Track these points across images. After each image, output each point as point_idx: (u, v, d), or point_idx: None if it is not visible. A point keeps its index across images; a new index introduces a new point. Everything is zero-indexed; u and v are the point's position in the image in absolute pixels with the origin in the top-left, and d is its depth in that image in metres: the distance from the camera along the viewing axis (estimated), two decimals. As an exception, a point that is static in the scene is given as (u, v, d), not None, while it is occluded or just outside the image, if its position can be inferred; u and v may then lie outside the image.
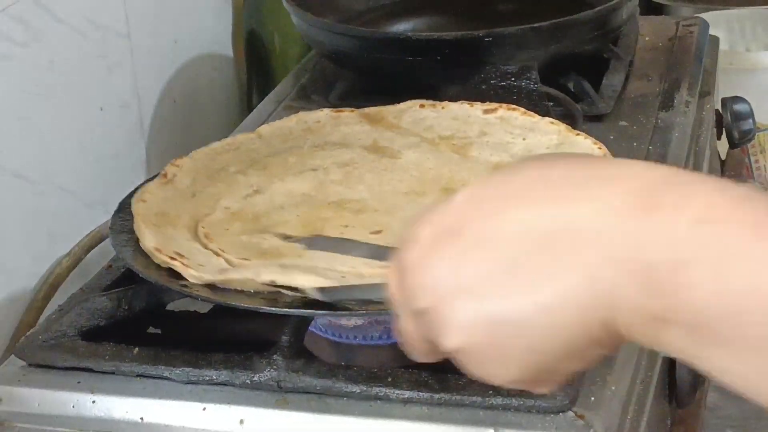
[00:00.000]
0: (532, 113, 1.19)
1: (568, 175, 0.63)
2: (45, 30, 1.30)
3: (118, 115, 1.46)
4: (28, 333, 0.97)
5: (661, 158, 1.23)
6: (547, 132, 1.16)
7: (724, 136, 1.53)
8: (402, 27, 1.54)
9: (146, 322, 1.05)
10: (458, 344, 0.64)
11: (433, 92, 1.34)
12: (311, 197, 1.09)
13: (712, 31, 1.61)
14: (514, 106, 1.20)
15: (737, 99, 1.51)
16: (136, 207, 1.04)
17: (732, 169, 1.47)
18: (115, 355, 0.94)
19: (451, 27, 1.54)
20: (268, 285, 0.92)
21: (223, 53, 1.73)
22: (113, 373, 0.93)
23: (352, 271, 0.93)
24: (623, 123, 1.31)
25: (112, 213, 1.08)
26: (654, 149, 1.25)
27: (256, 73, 1.76)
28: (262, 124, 1.37)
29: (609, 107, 1.33)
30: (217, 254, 0.98)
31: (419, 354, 0.70)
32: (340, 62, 1.41)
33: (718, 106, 1.53)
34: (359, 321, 0.97)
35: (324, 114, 1.23)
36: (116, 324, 0.99)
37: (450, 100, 1.26)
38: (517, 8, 1.55)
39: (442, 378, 0.88)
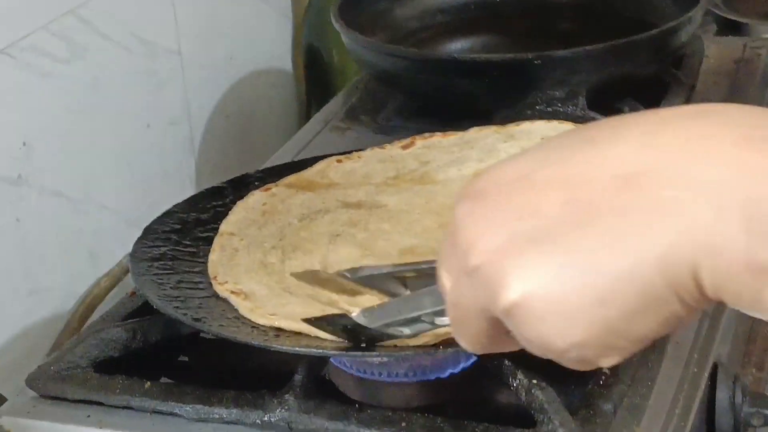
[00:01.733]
0: (452, 132, 1.17)
1: (649, 116, 0.56)
2: (88, 46, 1.29)
3: (167, 132, 1.44)
4: (41, 363, 0.95)
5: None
6: (484, 137, 1.15)
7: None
8: (457, 46, 1.51)
9: (176, 350, 1.03)
10: (519, 295, 0.56)
11: (483, 115, 1.30)
12: (374, 255, 1.03)
13: (784, 52, 1.55)
14: (430, 134, 1.18)
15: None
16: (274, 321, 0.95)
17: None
18: (126, 389, 0.91)
19: (508, 46, 1.50)
20: None
21: (281, 68, 1.71)
22: (123, 407, 0.91)
23: None
24: (680, 152, 1.26)
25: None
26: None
27: (316, 88, 1.74)
28: (308, 144, 1.35)
29: (665, 134, 1.27)
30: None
31: (471, 337, 0.62)
32: (388, 83, 1.38)
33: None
34: (385, 358, 0.93)
35: (258, 197, 1.14)
36: (131, 355, 0.97)
37: (499, 124, 1.22)
38: (577, 28, 1.50)
39: (457, 424, 0.85)
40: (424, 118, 1.37)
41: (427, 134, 1.18)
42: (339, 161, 1.17)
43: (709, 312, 1.02)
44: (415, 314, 0.80)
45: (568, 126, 1.12)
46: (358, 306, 0.88)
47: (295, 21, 1.72)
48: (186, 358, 1.06)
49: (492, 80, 1.27)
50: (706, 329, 1.01)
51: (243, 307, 0.95)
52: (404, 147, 1.17)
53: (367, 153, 1.17)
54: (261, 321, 0.93)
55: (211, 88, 1.54)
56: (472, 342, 0.63)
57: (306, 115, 1.74)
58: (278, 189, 1.14)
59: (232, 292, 0.97)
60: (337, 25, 1.39)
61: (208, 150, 1.52)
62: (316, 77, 1.73)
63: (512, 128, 1.15)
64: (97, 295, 1.28)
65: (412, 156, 1.17)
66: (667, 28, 1.30)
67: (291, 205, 1.12)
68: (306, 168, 1.15)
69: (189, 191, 1.48)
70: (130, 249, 1.28)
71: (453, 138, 1.17)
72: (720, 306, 1.05)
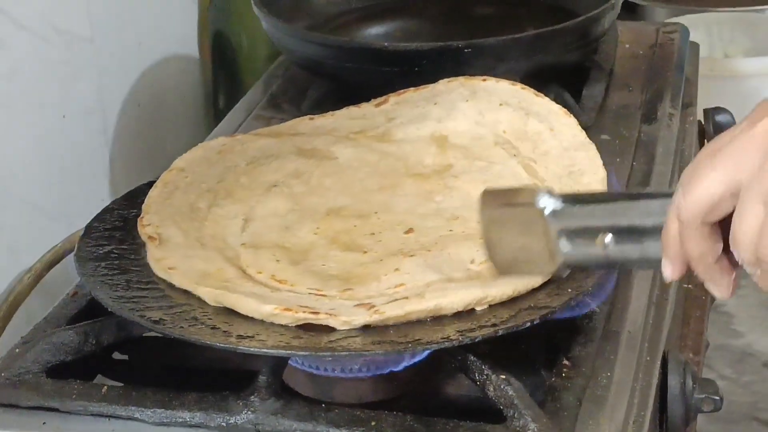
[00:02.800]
0: (424, 86, 1.18)
1: None
2: (4, 36, 1.25)
3: (82, 123, 1.41)
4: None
5: (646, 175, 1.19)
6: (449, 90, 1.16)
7: (705, 146, 1.49)
8: (375, 31, 1.50)
9: (112, 348, 1.01)
10: None
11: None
12: (300, 211, 1.05)
13: (690, 36, 1.57)
14: (404, 90, 1.19)
15: (719, 110, 1.47)
16: (171, 276, 0.96)
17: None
18: (82, 393, 0.89)
19: (426, 32, 1.49)
20: None
21: (189, 54, 1.68)
22: (80, 413, 0.88)
23: (470, 273, 0.93)
24: (605, 136, 1.27)
25: (75, 227, 1.03)
26: (638, 165, 1.21)
27: (223, 74, 1.71)
28: (234, 133, 1.33)
29: (591, 120, 1.29)
30: (327, 295, 0.93)
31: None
32: (313, 70, 1.37)
33: (700, 116, 1.50)
34: (340, 355, 0.92)
35: (221, 141, 1.15)
36: (83, 358, 0.94)
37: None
38: (494, 13, 1.51)
39: (428, 422, 0.85)
40: (347, 105, 1.35)
41: (401, 90, 1.19)
42: (311, 119, 1.18)
43: (654, 299, 1.04)
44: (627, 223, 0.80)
45: (529, 92, 1.14)
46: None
47: (201, 6, 1.69)
48: (124, 356, 1.04)
49: (421, 68, 1.26)
50: (654, 317, 1.02)
51: (151, 255, 0.97)
52: (377, 105, 1.19)
53: (342, 111, 1.19)
54: (159, 274, 0.95)
55: (123, 77, 1.51)
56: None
57: (214, 102, 1.72)
58: (244, 136, 1.16)
59: (150, 237, 0.98)
60: (257, 12, 1.37)
61: (121, 139, 1.49)
62: (224, 64, 1.71)
63: (477, 83, 1.16)
64: (21, 292, 1.24)
65: (382, 113, 1.18)
66: (591, 15, 1.31)
67: (248, 148, 1.13)
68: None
69: (104, 182, 1.46)
70: (50, 243, 1.27)
71: (423, 92, 1.18)
72: (663, 293, 1.06)
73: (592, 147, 1.07)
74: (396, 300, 0.90)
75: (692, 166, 0.77)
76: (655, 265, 0.81)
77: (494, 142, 1.11)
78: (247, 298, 0.90)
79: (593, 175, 1.04)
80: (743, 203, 0.73)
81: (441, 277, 0.93)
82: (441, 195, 1.05)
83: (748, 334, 1.79)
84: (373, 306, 0.89)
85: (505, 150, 1.10)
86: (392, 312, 0.88)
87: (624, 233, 0.81)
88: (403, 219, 1.02)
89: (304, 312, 0.88)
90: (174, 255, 0.97)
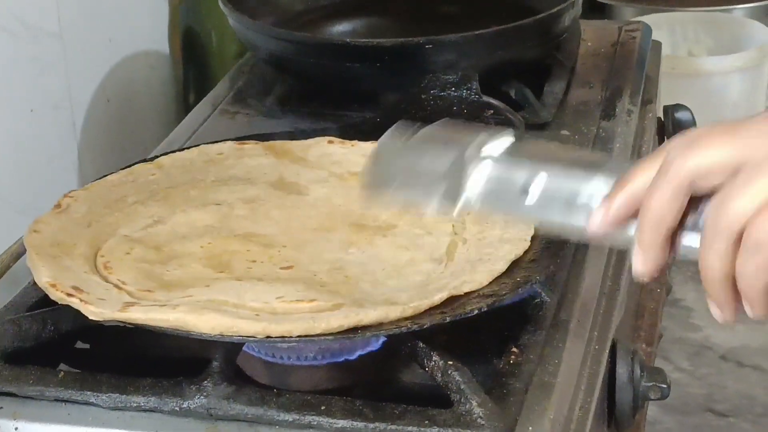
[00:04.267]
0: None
1: None
2: (-28, 31, 1.27)
3: (50, 117, 1.42)
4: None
5: (603, 169, 1.21)
6: None
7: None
8: (341, 28, 1.52)
9: (74, 337, 1.02)
10: None
11: (373, 99, 1.32)
12: (215, 229, 1.05)
13: (654, 35, 1.59)
14: None
15: (679, 107, 1.50)
16: (29, 238, 1.00)
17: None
18: (39, 379, 0.90)
19: (391, 29, 1.51)
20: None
21: (160, 51, 1.70)
22: (37, 398, 0.90)
23: (266, 307, 0.90)
24: (565, 132, 1.29)
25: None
26: (595, 160, 1.23)
27: (193, 71, 1.73)
28: (199, 128, 1.34)
29: (550, 115, 1.31)
30: (119, 287, 0.94)
31: None
32: (278, 66, 1.39)
33: (661, 113, 1.52)
34: (293, 342, 0.94)
35: (227, 146, 1.17)
36: (41, 345, 0.96)
37: (389, 109, 1.24)
38: (459, 11, 1.53)
39: (377, 407, 0.86)
40: (312, 101, 1.38)
41: None
42: (330, 142, 1.17)
43: (605, 290, 1.06)
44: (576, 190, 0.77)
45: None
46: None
47: (172, 3, 1.70)
48: (85, 345, 1.05)
49: (383, 64, 1.28)
50: (604, 307, 1.04)
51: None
52: None
53: (364, 144, 1.15)
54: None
55: (91, 72, 1.53)
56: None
57: (184, 99, 1.74)
58: (253, 147, 1.17)
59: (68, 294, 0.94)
60: (224, 8, 1.39)
61: (90, 134, 1.50)
62: (194, 60, 1.73)
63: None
64: (-14, 283, 1.25)
65: None
66: (553, 12, 1.33)
67: (240, 164, 1.14)
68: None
69: (73, 177, 1.47)
70: (17, 236, 1.28)
71: None
72: (615, 284, 1.08)
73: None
74: (165, 306, 0.90)
75: (697, 134, 0.74)
76: (577, 233, 0.78)
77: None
78: (40, 267, 0.94)
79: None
80: (745, 181, 0.70)
81: (235, 301, 0.92)
82: (356, 248, 1.03)
83: (706, 327, 1.82)
84: (132, 304, 0.90)
85: (454, 227, 1.05)
86: (136, 314, 0.89)
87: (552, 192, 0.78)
88: (296, 257, 1.01)
89: (64, 293, 0.91)
90: (69, 229, 1.01)
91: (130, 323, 0.89)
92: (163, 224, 1.05)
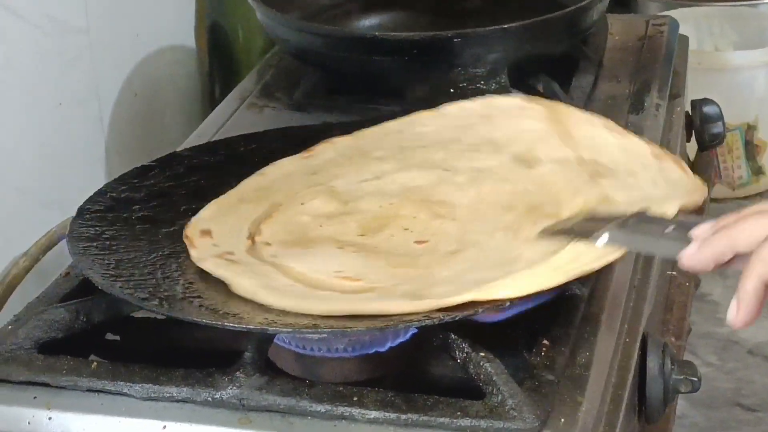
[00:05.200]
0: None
1: None
2: (1, 26, 1.27)
3: (77, 112, 1.43)
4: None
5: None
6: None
7: (693, 137, 1.51)
8: (368, 23, 1.52)
9: (105, 328, 1.03)
10: None
11: (400, 93, 1.32)
12: (418, 190, 1.07)
13: (680, 29, 1.59)
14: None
15: (707, 101, 1.49)
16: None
17: (701, 171, 1.45)
18: (72, 369, 0.91)
19: (418, 23, 1.51)
20: None
21: (186, 45, 1.70)
22: (70, 388, 0.90)
23: (319, 280, 0.94)
24: (592, 126, 1.29)
25: (70, 214, 1.05)
26: (624, 154, 1.23)
27: (219, 65, 1.73)
28: (226, 122, 1.35)
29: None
30: (253, 237, 0.99)
31: None
32: (305, 60, 1.39)
33: (688, 107, 1.51)
34: (324, 334, 0.94)
35: (515, 102, 1.15)
36: (74, 336, 0.96)
37: (417, 102, 1.24)
38: (485, 5, 1.52)
39: (409, 398, 0.86)
40: (340, 95, 1.38)
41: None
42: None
43: (635, 283, 1.06)
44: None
45: None
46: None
47: (198, -2, 1.71)
48: (116, 337, 1.05)
49: (411, 58, 1.28)
50: (634, 300, 1.04)
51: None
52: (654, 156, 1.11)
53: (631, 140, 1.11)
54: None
55: (118, 66, 1.53)
56: None
57: (210, 94, 1.74)
58: (536, 108, 1.15)
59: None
60: (252, 2, 1.39)
61: (117, 129, 1.51)
62: (220, 55, 1.73)
63: None
64: (17, 276, 1.26)
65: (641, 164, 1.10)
66: (580, 6, 1.33)
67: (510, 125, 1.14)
68: (237, 145, 1.16)
69: (100, 171, 1.47)
70: (44, 230, 1.28)
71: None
72: (644, 277, 1.08)
73: None
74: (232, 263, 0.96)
75: None
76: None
77: None
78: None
79: None
80: None
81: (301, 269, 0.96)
82: (504, 233, 1.02)
83: (733, 323, 1.80)
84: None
85: None
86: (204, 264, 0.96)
87: None
88: (447, 234, 1.02)
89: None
90: (294, 174, 1.09)
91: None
92: (380, 179, 1.07)
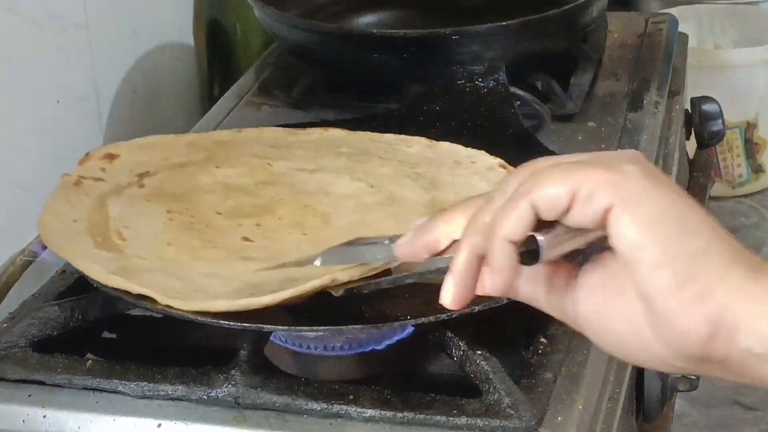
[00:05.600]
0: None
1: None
2: (-2, 21, 1.27)
3: (76, 108, 1.42)
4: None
5: (630, 161, 1.20)
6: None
7: (692, 135, 1.51)
8: (367, 20, 1.52)
9: (101, 326, 1.03)
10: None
11: (399, 90, 1.32)
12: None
13: (681, 27, 1.59)
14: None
15: (706, 99, 1.49)
16: None
17: (701, 169, 1.45)
18: (67, 367, 0.90)
19: (417, 21, 1.51)
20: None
21: (185, 43, 1.70)
22: (65, 386, 0.90)
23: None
24: (591, 123, 1.29)
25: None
26: (623, 152, 1.23)
27: (218, 62, 1.73)
28: (224, 119, 1.35)
29: (577, 107, 1.31)
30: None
31: None
32: (303, 57, 1.39)
33: (687, 105, 1.51)
34: (321, 332, 0.94)
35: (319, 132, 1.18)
36: (69, 333, 0.96)
37: (415, 100, 1.23)
38: (484, 2, 1.52)
39: (405, 396, 0.86)
40: (338, 93, 1.38)
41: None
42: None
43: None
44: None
45: None
46: None
47: (197, -6, 1.71)
48: (112, 335, 1.05)
49: (409, 55, 1.28)
50: (632, 298, 1.03)
51: None
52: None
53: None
54: None
55: (117, 63, 1.53)
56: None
57: (209, 90, 1.74)
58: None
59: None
60: (250, 0, 1.39)
61: (116, 125, 1.50)
62: (218, 52, 1.73)
63: None
64: (14, 273, 1.25)
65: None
66: (580, 4, 1.33)
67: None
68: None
69: (98, 167, 1.47)
70: (43, 226, 1.28)
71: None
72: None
73: None
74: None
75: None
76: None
77: None
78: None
79: None
80: None
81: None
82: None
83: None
84: None
85: None
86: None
87: None
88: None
89: None
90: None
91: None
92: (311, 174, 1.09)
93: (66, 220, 1.00)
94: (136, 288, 0.89)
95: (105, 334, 1.04)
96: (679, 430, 1.38)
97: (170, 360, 0.93)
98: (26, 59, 1.32)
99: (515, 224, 0.68)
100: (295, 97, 1.38)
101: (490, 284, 0.70)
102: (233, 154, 1.12)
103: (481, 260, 0.70)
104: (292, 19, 1.38)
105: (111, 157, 1.10)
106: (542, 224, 0.69)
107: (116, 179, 1.08)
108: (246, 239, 1.00)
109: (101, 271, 0.91)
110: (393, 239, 0.78)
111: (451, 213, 0.73)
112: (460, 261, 0.70)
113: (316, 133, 1.16)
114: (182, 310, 0.88)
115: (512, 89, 1.25)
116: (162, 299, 0.89)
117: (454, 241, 0.73)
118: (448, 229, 0.73)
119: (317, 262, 0.85)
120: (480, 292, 0.71)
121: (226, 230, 1.01)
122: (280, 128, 1.18)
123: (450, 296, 0.72)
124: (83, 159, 1.09)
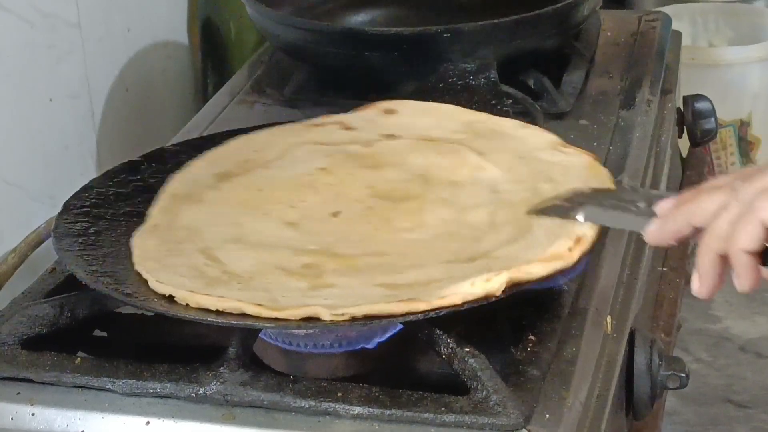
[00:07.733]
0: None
1: None
2: (-11, 19, 1.27)
3: (68, 106, 1.42)
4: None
5: (622, 159, 1.21)
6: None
7: (685, 133, 1.51)
8: (360, 19, 1.51)
9: (92, 324, 1.02)
10: None
11: (391, 88, 1.31)
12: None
13: (674, 25, 1.59)
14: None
15: (699, 97, 1.49)
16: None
17: (693, 167, 1.45)
18: (55, 365, 0.90)
19: (409, 19, 1.51)
20: None
21: (178, 41, 1.70)
22: (54, 384, 0.90)
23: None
24: (583, 122, 1.29)
25: (59, 208, 1.04)
26: (615, 149, 1.23)
27: (212, 61, 1.73)
28: (217, 117, 1.34)
29: (569, 105, 1.30)
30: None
31: None
32: (296, 56, 1.38)
33: (680, 103, 1.51)
34: (310, 330, 0.93)
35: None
36: (58, 331, 0.96)
37: (407, 97, 1.23)
38: (477, 1, 1.52)
39: (393, 393, 0.86)
40: (330, 91, 1.37)
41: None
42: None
43: (624, 279, 1.05)
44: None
45: None
46: None
47: (191, -7, 1.71)
48: (103, 333, 1.05)
49: (401, 53, 1.28)
50: (622, 295, 1.03)
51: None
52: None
53: None
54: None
55: (110, 62, 1.53)
56: None
57: (202, 89, 1.74)
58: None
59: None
60: (242, -2, 1.39)
61: (108, 124, 1.50)
62: (212, 51, 1.73)
63: None
64: (5, 272, 1.25)
65: None
66: (572, 2, 1.33)
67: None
68: (220, 143, 1.15)
69: (90, 166, 1.47)
70: (34, 224, 1.28)
71: None
72: (633, 273, 1.08)
73: None
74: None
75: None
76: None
77: None
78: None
79: None
80: None
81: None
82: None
83: (725, 318, 1.81)
84: None
85: None
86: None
87: None
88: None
89: None
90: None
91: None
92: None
93: None
94: None
95: (96, 332, 1.04)
96: (670, 428, 1.38)
97: (161, 358, 0.93)
98: (19, 57, 1.32)
99: (750, 241, 0.79)
100: (288, 95, 1.37)
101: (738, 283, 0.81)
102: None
103: (723, 258, 0.81)
104: (285, 17, 1.38)
105: None
106: None
107: None
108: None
109: None
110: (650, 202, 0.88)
111: (691, 204, 0.84)
112: (704, 261, 0.82)
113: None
114: (169, 308, 0.88)
115: (504, 87, 1.25)
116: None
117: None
118: (689, 219, 0.84)
119: (580, 218, 0.93)
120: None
121: None
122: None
123: (699, 288, 0.83)
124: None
